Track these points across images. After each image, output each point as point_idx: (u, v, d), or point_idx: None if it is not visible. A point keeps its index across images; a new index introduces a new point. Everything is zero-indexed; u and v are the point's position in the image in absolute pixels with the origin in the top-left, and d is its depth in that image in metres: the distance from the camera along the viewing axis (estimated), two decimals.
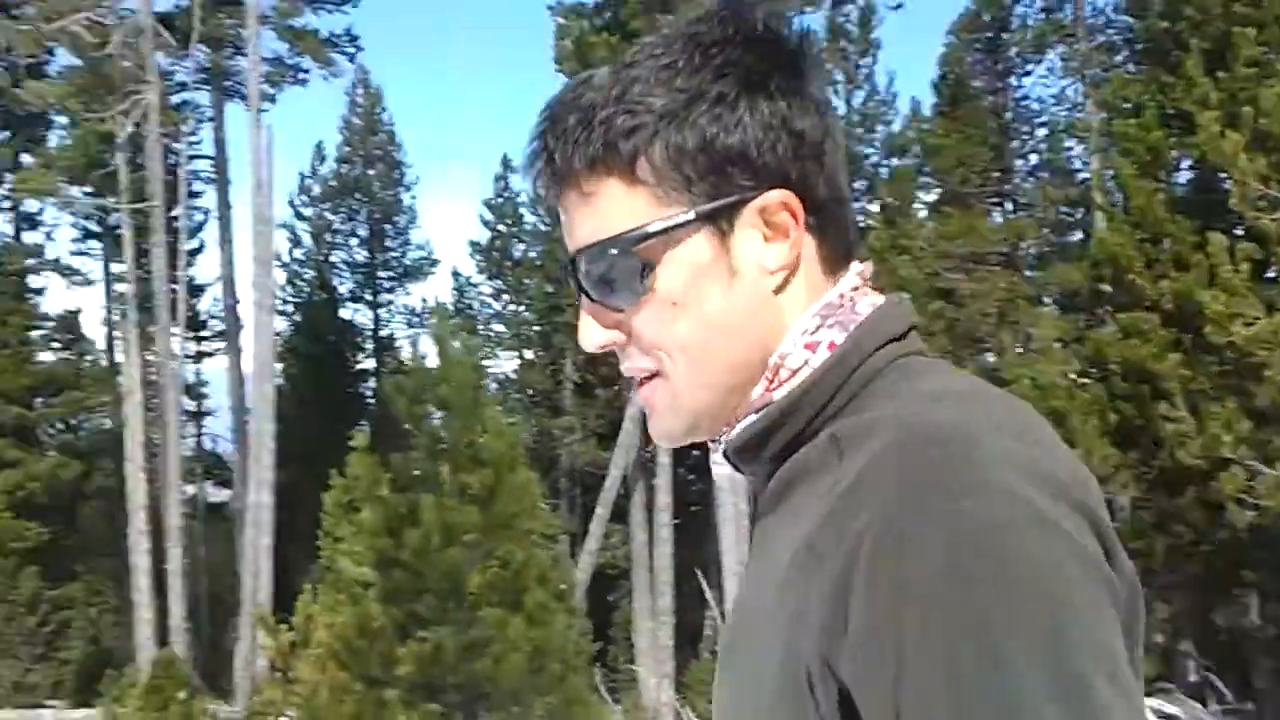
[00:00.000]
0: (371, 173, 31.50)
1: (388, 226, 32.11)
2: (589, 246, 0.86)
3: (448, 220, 74.85)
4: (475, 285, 31.11)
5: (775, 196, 0.84)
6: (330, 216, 31.70)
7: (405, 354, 27.12)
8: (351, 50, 25.95)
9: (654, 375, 0.88)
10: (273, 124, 22.69)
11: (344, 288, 32.15)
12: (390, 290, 32.64)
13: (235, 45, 24.40)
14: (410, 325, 31.88)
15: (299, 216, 30.89)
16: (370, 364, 32.28)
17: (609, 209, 0.85)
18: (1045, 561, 0.68)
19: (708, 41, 0.85)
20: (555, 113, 0.87)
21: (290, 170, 43.33)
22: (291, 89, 26.13)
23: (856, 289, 0.89)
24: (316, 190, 31.26)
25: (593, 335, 0.90)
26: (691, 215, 0.84)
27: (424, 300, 33.51)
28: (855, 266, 0.90)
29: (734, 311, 0.86)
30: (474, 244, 30.62)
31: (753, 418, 0.86)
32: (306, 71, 25.49)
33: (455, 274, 31.21)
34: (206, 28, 22.31)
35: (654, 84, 0.84)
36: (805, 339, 0.86)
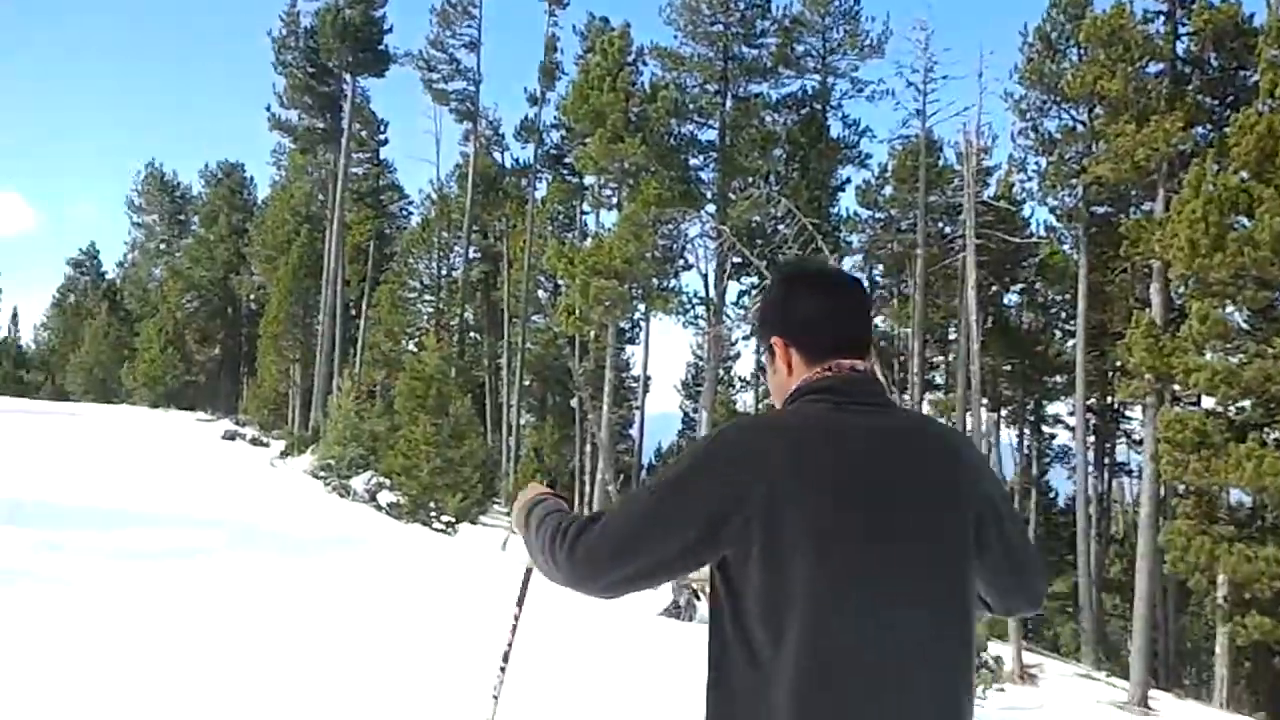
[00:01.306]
0: None
1: None
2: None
3: None
4: None
5: (775, 338, 1.93)
6: None
7: None
8: None
9: None
10: None
11: None
12: None
13: None
14: None
15: None
16: None
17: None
18: (695, 460, 1.77)
19: (774, 282, 2.08)
20: None
21: None
22: None
23: (817, 373, 1.85)
24: None
25: None
26: (762, 351, 2.00)
27: None
28: (833, 361, 1.85)
29: (777, 382, 1.95)
30: None
31: None
32: None
33: None
34: None
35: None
36: (790, 393, 1.88)
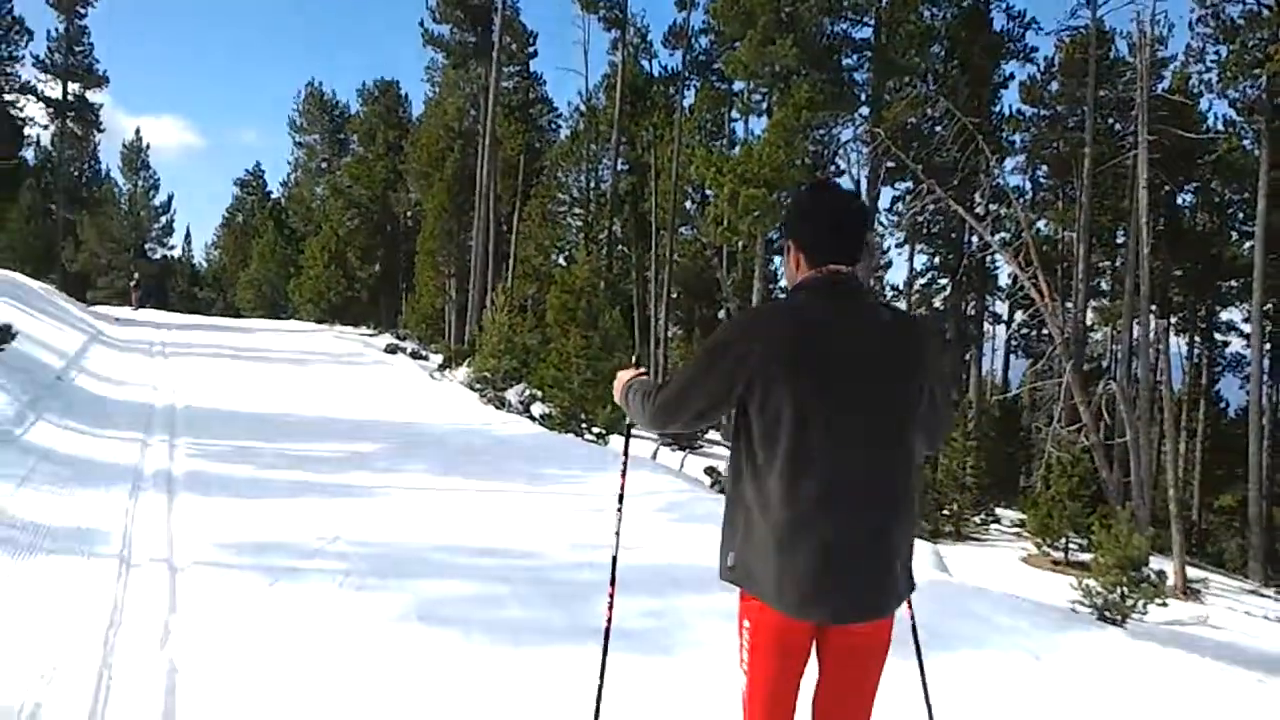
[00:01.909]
0: None
1: None
2: None
3: None
4: None
5: (791, 241, 2.68)
6: None
7: None
8: None
9: None
10: None
11: None
12: None
13: None
14: None
15: None
16: None
17: None
18: (719, 336, 2.66)
19: (796, 196, 2.85)
20: None
21: None
22: None
23: (814, 273, 2.59)
24: None
25: None
26: (783, 247, 2.74)
27: None
28: (829, 266, 2.58)
29: (788, 274, 2.72)
30: None
31: None
32: None
33: None
34: None
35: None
36: (794, 286, 2.67)
